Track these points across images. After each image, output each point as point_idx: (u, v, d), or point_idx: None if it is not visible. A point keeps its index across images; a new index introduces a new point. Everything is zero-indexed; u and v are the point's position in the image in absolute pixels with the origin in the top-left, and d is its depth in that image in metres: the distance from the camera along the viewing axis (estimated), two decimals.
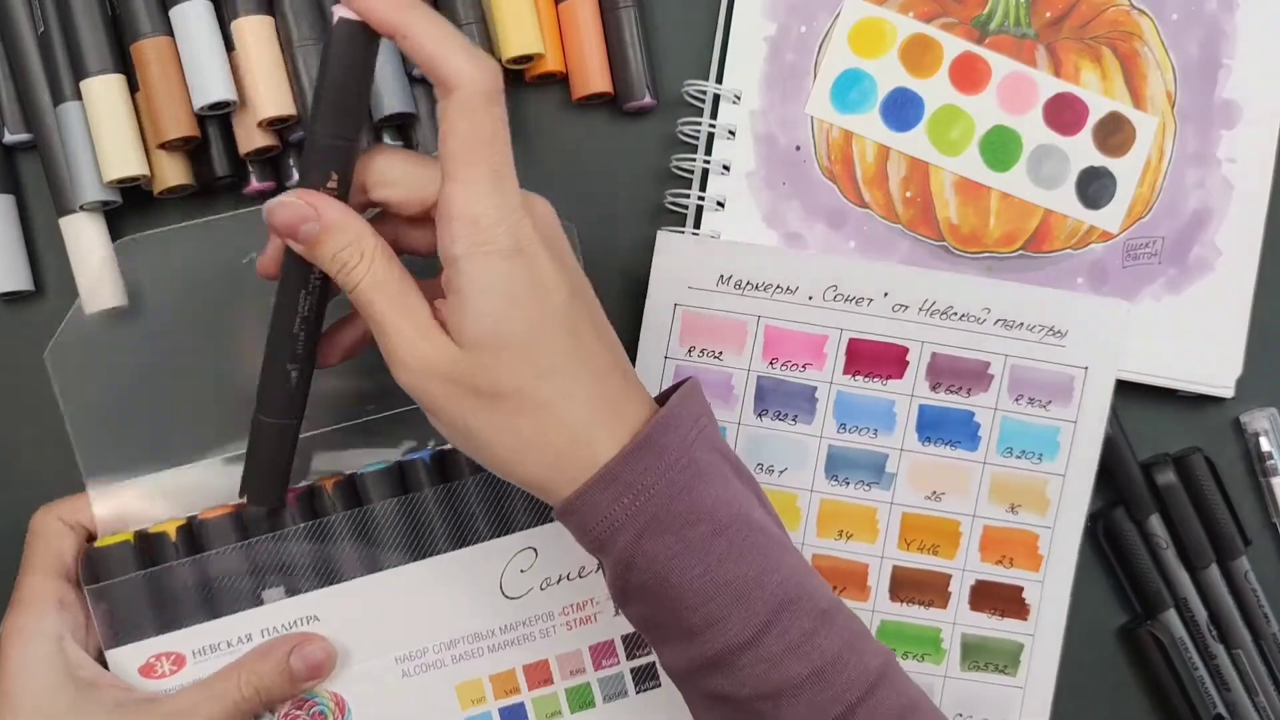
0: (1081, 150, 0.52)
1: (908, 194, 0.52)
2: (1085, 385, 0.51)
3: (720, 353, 0.52)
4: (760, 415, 0.52)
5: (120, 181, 0.49)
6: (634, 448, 0.40)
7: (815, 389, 0.52)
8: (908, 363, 0.51)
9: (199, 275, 0.49)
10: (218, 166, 0.51)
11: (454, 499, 0.48)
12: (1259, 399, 0.53)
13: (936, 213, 0.52)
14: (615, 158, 0.53)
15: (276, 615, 0.47)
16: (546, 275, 0.40)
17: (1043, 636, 0.52)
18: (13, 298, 0.53)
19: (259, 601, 0.47)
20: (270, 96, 0.49)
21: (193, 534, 0.47)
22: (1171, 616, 0.53)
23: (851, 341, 0.51)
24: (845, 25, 0.52)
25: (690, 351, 0.52)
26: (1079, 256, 0.52)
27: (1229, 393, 0.52)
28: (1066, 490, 0.51)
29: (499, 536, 0.48)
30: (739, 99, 0.52)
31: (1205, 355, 0.52)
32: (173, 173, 0.50)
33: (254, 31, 0.49)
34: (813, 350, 0.51)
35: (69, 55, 0.49)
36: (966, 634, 0.52)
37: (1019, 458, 0.52)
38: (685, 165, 0.52)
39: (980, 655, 0.52)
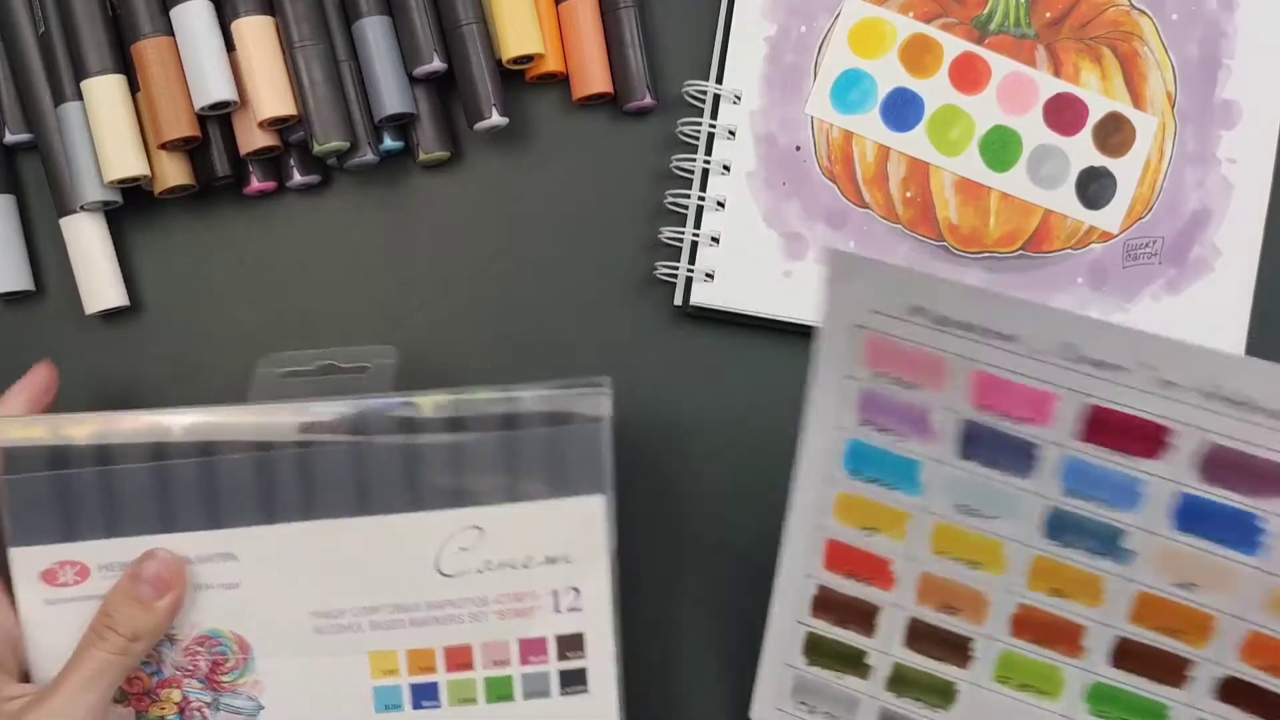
0: (1081, 150, 0.52)
1: (908, 194, 0.52)
2: None
3: (914, 383, 0.43)
4: (967, 459, 0.44)
5: (121, 181, 0.49)
6: None
7: (1037, 446, 0.43)
8: (1167, 445, 0.41)
9: None
10: (218, 166, 0.51)
11: (408, 457, 0.44)
12: None
13: (936, 213, 0.52)
14: (615, 158, 0.53)
15: (186, 545, 0.45)
16: None
17: None
18: (13, 298, 0.53)
19: (170, 528, 0.44)
20: (270, 96, 0.49)
21: (107, 445, 0.44)
22: None
23: (1095, 409, 0.41)
24: (845, 25, 0.52)
25: (878, 376, 0.43)
26: (1079, 257, 0.52)
27: None
28: None
29: (447, 509, 0.45)
30: (739, 99, 0.52)
31: None
32: (173, 173, 0.50)
33: (254, 31, 0.49)
34: (1037, 407, 0.42)
35: (69, 55, 0.49)
36: None
37: None
38: (685, 165, 0.52)
39: None
